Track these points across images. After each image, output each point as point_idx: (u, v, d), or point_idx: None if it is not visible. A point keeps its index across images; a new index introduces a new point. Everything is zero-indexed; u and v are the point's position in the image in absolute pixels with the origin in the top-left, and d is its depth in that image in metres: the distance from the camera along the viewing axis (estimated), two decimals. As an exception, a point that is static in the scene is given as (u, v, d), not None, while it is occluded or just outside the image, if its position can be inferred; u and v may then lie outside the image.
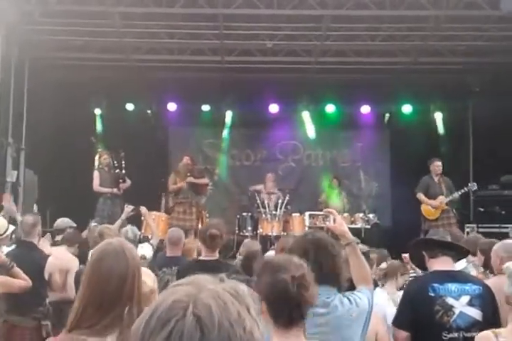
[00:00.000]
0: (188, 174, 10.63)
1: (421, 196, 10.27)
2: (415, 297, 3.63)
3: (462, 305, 3.52)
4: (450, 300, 3.53)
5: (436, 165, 10.31)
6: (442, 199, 10.08)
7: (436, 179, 10.32)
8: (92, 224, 8.51)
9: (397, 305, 3.79)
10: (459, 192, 10.05)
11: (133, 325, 1.07)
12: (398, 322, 3.65)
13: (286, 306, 2.22)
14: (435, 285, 3.56)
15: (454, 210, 10.21)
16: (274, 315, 2.22)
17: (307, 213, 10.90)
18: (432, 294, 3.54)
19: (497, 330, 2.91)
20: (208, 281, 1.07)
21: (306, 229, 10.31)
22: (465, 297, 3.54)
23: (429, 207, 10.18)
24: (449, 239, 3.76)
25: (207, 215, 11.01)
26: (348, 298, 2.80)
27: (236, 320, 1.01)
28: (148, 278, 3.49)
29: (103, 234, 5.20)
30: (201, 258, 4.85)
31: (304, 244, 2.88)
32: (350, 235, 3.13)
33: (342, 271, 2.84)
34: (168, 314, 1.00)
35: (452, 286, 3.56)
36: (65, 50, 11.49)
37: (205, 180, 10.91)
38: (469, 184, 10.15)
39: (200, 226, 10.07)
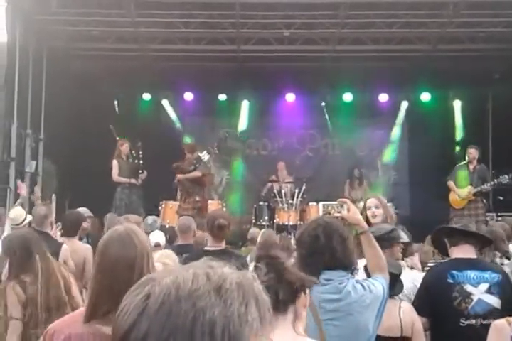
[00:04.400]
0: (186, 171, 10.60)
1: (451, 184, 10.15)
2: (434, 283, 3.61)
3: (481, 293, 3.50)
4: (468, 287, 3.51)
5: (469, 153, 10.15)
6: (470, 190, 9.93)
7: (471, 167, 10.12)
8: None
9: (416, 291, 3.78)
10: (489, 184, 9.88)
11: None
12: (416, 307, 3.63)
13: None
14: (454, 272, 3.54)
15: (484, 200, 10.06)
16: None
17: (320, 203, 10.86)
18: (451, 281, 3.53)
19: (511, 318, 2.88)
20: (220, 265, 1.02)
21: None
22: (484, 284, 3.52)
23: (456, 196, 10.07)
24: (473, 227, 3.72)
25: (224, 204, 11.01)
26: (361, 284, 2.77)
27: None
28: (168, 259, 3.55)
29: (139, 224, 5.21)
30: (207, 248, 4.77)
31: (315, 229, 2.86)
32: (364, 224, 3.10)
33: (353, 255, 2.82)
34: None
35: (471, 273, 3.54)
36: (82, 40, 11.52)
37: (196, 174, 10.68)
38: (501, 176, 9.90)
39: (199, 215, 9.97)
